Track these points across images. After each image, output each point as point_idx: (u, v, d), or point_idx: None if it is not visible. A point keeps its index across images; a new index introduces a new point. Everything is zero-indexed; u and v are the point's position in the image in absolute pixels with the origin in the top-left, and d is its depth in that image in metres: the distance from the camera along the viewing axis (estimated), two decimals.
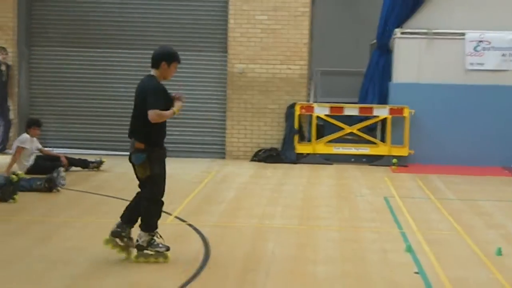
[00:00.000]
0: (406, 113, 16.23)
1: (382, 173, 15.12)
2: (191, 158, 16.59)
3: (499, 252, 8.51)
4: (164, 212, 8.22)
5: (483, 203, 12.05)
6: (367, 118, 16.75)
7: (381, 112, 16.46)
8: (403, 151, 16.27)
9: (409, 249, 8.56)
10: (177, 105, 7.77)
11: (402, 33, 16.65)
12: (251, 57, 16.79)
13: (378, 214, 10.87)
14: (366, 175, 14.82)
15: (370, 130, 16.97)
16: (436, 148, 16.44)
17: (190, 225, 9.71)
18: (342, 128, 16.60)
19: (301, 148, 16.48)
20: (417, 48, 16.59)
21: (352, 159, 16.65)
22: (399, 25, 16.76)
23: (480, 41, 16.52)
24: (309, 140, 16.64)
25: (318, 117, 16.56)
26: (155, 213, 7.82)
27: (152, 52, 7.92)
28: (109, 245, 7.92)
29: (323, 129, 16.99)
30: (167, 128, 7.94)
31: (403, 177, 14.71)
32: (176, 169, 14.42)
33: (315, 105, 16.68)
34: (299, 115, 16.45)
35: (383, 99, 17.12)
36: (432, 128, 16.48)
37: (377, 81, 17.36)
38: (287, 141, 16.53)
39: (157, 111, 7.55)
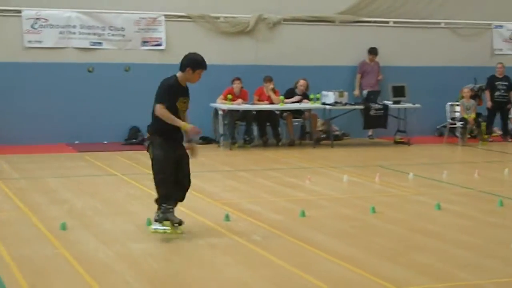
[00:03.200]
0: None
1: None
2: None
3: (64, 227, 8.59)
4: None
5: (48, 180, 12.09)
6: None
7: None
8: None
9: None
10: (191, 130, 8.23)
11: None
12: None
13: None
14: None
15: None
16: None
17: None
18: None
19: None
20: None
21: None
22: None
23: (38, 19, 16.42)
24: None
25: None
26: (159, 189, 8.31)
27: None
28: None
29: None
30: None
31: None
32: None
33: None
34: None
35: None
36: None
37: None
38: None
39: (163, 108, 8.06)
